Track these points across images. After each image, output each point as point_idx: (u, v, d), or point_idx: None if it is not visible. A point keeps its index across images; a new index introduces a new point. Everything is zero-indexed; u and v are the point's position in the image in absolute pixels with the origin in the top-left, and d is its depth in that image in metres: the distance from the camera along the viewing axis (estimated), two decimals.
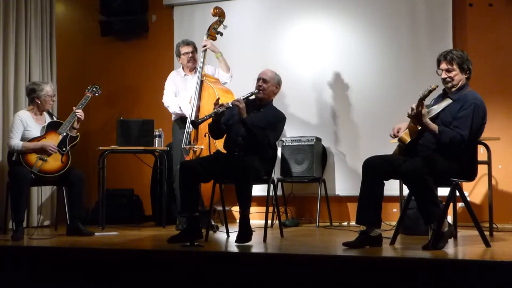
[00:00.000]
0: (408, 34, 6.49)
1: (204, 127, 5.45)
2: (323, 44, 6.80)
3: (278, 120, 5.09)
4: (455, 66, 4.39)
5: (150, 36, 7.50)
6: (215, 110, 4.86)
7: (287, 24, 6.92)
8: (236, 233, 4.74)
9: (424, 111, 4.23)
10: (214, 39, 6.02)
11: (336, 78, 6.70)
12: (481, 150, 5.12)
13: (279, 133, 5.11)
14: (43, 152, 5.42)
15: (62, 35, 7.35)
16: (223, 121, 5.05)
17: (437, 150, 4.31)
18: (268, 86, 5.09)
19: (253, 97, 5.07)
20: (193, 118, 5.67)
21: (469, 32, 6.36)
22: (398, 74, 6.50)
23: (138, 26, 7.45)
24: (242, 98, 4.95)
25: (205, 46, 5.94)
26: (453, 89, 4.43)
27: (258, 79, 5.11)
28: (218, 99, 4.94)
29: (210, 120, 5.00)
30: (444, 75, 4.41)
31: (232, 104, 4.88)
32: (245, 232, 4.68)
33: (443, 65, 4.42)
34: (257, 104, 5.13)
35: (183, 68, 6.21)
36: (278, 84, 5.17)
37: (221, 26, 6.03)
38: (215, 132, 5.14)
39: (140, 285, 4.05)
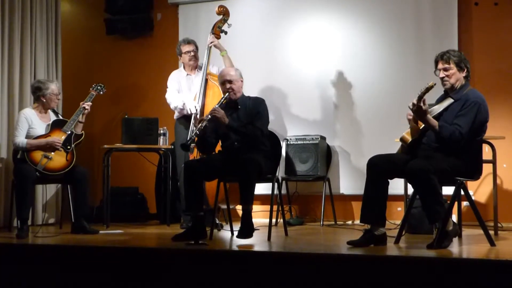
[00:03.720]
0: (413, 32, 6.48)
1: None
2: (328, 43, 6.79)
3: (258, 106, 5.12)
4: (452, 65, 4.40)
5: (155, 34, 7.50)
6: (198, 126, 4.88)
7: (292, 23, 6.91)
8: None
9: (425, 107, 4.23)
10: (219, 37, 6.02)
11: (341, 77, 6.69)
12: (486, 149, 5.10)
13: (266, 117, 5.12)
14: (49, 148, 5.43)
15: (67, 33, 7.35)
16: (213, 136, 5.08)
17: (440, 149, 4.31)
18: (235, 84, 5.11)
19: (225, 102, 5.09)
20: (197, 117, 5.69)
21: (475, 31, 6.34)
22: (403, 73, 6.48)
23: (143, 24, 7.45)
24: (217, 106, 4.98)
25: (211, 42, 5.93)
26: (453, 89, 4.44)
27: (223, 82, 5.12)
28: (197, 116, 4.95)
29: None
30: (442, 74, 4.43)
31: (210, 115, 4.91)
32: (247, 227, 4.69)
33: (440, 65, 4.45)
34: (232, 104, 5.14)
35: (184, 67, 6.21)
36: (241, 77, 5.20)
37: (226, 24, 6.03)
38: (205, 148, 5.15)
39: (145, 283, 4.05)
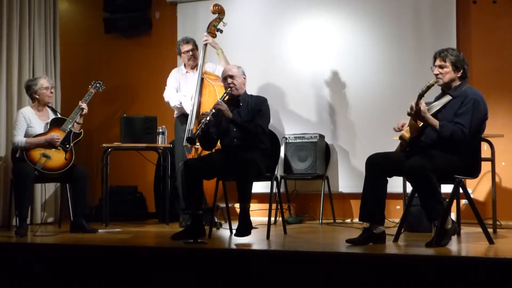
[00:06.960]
0: (412, 31, 6.47)
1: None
2: (326, 42, 6.78)
3: (260, 104, 5.15)
4: (448, 63, 4.41)
5: (154, 33, 7.50)
6: (203, 121, 4.89)
7: (289, 22, 6.91)
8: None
9: (424, 107, 4.24)
10: (214, 36, 6.03)
11: (339, 76, 6.69)
12: (484, 147, 5.11)
13: (267, 116, 5.16)
14: (49, 145, 5.42)
15: (65, 32, 7.35)
16: (214, 131, 5.09)
17: (439, 147, 4.31)
18: (237, 80, 5.14)
19: (227, 97, 5.10)
20: (193, 115, 5.71)
21: (473, 29, 6.34)
22: (401, 71, 6.48)
23: (141, 23, 7.45)
24: (220, 100, 5.01)
25: (206, 40, 5.94)
26: (449, 87, 4.44)
27: (225, 78, 5.15)
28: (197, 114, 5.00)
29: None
30: (436, 71, 4.44)
31: (214, 109, 4.92)
32: (245, 226, 4.71)
33: (437, 62, 4.46)
34: (234, 100, 5.15)
35: (184, 65, 6.22)
36: (243, 74, 5.24)
37: (221, 23, 6.03)
38: (207, 143, 5.15)
39: (143, 282, 4.05)
